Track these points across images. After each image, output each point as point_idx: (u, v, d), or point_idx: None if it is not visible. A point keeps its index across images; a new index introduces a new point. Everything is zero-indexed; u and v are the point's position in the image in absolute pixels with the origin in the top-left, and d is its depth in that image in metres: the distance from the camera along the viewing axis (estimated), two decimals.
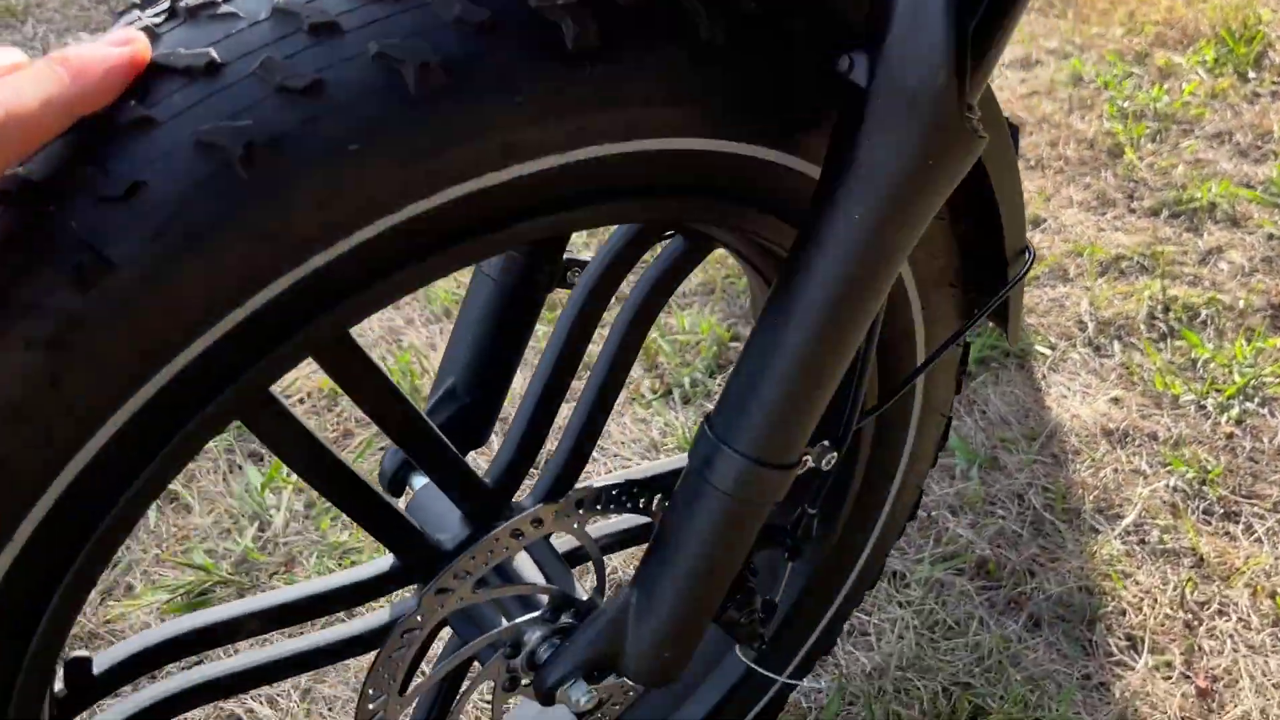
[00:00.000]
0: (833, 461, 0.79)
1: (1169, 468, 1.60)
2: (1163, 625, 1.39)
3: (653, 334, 1.76)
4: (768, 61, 0.59)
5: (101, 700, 0.76)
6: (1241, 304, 1.90)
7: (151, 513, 1.39)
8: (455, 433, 0.89)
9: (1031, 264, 0.86)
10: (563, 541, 0.91)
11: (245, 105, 0.47)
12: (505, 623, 0.80)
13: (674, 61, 0.55)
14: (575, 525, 0.78)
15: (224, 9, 0.50)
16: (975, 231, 0.85)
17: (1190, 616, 1.41)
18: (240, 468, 1.44)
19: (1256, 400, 1.72)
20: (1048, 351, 1.81)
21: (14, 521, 0.51)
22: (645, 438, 1.64)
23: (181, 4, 0.51)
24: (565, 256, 0.91)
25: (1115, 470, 1.60)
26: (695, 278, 1.93)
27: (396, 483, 0.91)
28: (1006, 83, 2.53)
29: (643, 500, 0.79)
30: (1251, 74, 2.55)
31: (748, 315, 1.84)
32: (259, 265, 0.49)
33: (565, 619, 0.81)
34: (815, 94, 0.62)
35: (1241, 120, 2.40)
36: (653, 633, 0.73)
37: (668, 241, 0.85)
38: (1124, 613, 1.40)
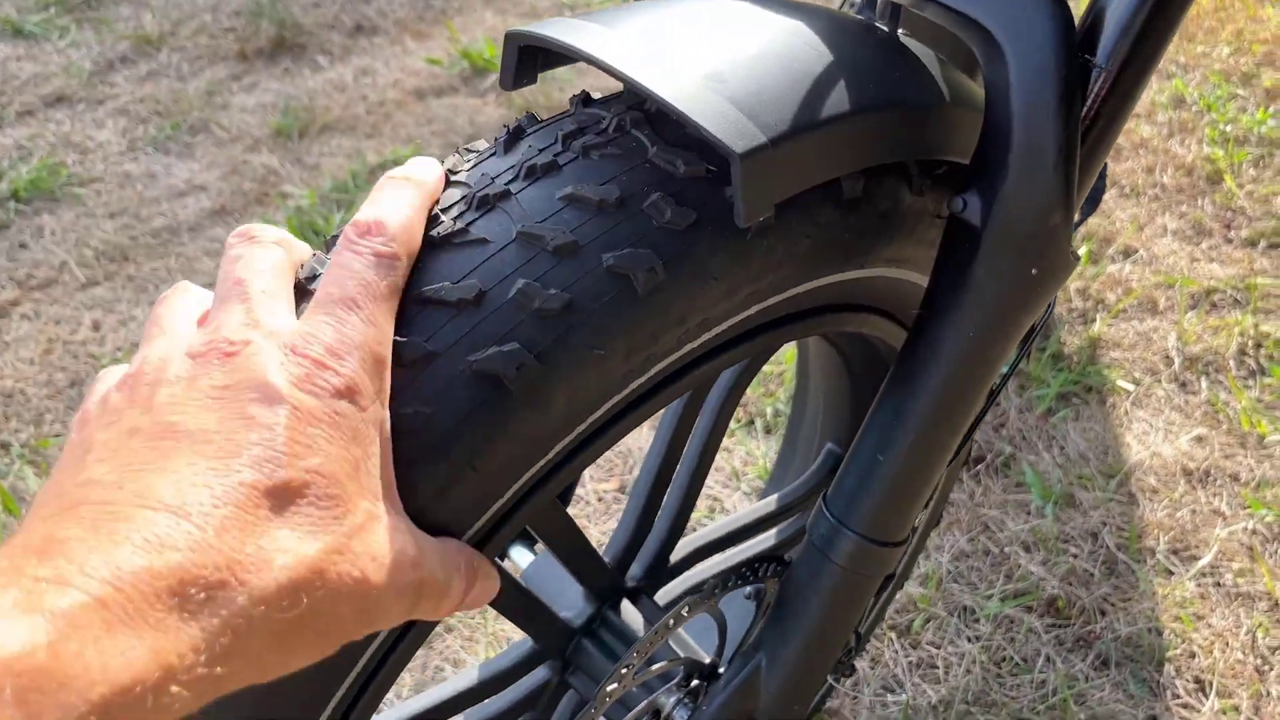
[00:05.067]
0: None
1: (1248, 510, 1.62)
2: (1232, 669, 1.42)
3: None
4: (894, 202, 0.65)
5: None
6: None
7: None
8: None
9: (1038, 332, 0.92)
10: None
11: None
12: (645, 694, 0.90)
13: (830, 220, 0.62)
14: (713, 606, 0.87)
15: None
16: None
17: (1260, 661, 1.43)
18: None
19: None
20: (1131, 387, 1.83)
21: None
22: (728, 466, 1.70)
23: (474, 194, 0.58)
24: None
25: (1193, 511, 1.62)
26: None
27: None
28: None
29: (762, 571, 0.88)
30: None
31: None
32: (519, 460, 0.57)
33: (694, 682, 0.91)
34: (932, 226, 0.68)
35: None
36: (782, 691, 0.82)
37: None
38: (1193, 655, 1.44)
